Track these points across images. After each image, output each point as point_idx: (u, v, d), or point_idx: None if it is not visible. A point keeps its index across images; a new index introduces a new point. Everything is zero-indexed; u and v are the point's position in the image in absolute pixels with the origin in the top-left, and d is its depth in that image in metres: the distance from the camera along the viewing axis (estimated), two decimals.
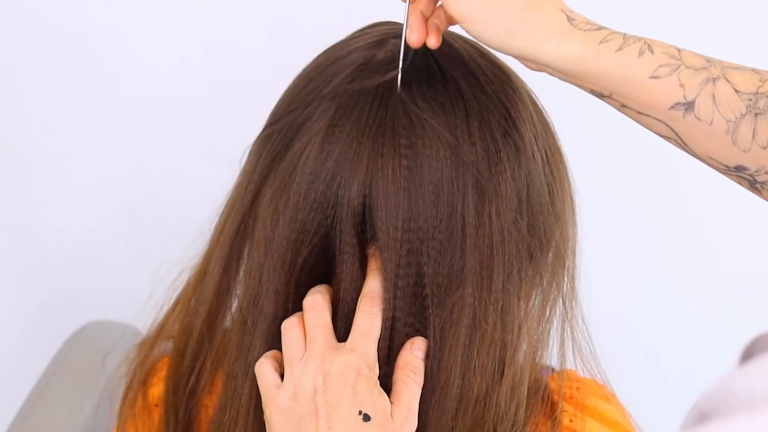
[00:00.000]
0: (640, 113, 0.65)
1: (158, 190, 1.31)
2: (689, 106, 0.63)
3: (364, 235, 0.68)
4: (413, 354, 0.68)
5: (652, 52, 0.63)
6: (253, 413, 0.70)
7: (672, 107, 0.63)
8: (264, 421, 0.69)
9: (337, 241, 0.68)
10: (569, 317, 0.74)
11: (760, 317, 1.28)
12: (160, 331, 0.80)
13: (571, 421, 0.72)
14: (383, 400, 0.66)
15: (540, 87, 0.74)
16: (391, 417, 0.66)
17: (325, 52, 0.73)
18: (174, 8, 1.23)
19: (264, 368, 0.68)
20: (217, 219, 0.75)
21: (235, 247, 0.73)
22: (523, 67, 0.69)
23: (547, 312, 0.73)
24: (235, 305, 0.75)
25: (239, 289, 0.74)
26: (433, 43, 0.68)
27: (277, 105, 0.73)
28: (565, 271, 0.74)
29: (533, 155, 0.70)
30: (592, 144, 1.13)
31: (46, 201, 1.32)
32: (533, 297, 0.72)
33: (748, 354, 0.44)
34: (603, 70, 0.63)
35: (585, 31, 0.64)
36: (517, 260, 0.69)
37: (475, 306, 0.67)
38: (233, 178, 0.75)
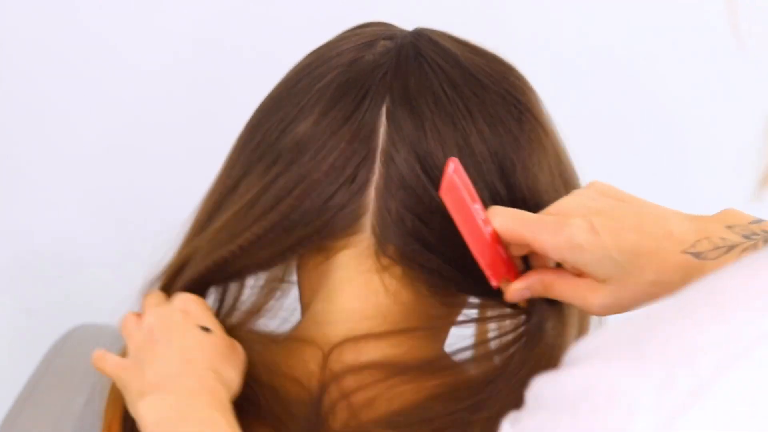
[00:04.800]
0: None
1: (147, 193, 1.31)
2: None
3: None
4: None
5: None
6: None
7: None
8: None
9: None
10: None
11: None
12: None
13: None
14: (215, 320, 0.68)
15: (536, 82, 0.73)
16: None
17: (314, 51, 0.73)
18: (165, 15, 1.24)
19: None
20: (194, 215, 0.74)
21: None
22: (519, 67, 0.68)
23: None
24: None
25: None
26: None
27: (263, 103, 0.72)
28: None
29: (552, 132, 0.71)
30: (589, 144, 1.13)
31: (34, 205, 1.32)
32: None
33: None
34: None
35: (715, 260, 0.59)
36: None
37: None
38: None
